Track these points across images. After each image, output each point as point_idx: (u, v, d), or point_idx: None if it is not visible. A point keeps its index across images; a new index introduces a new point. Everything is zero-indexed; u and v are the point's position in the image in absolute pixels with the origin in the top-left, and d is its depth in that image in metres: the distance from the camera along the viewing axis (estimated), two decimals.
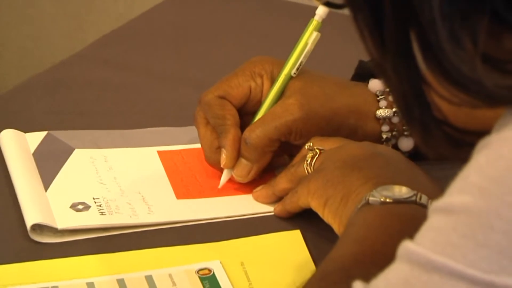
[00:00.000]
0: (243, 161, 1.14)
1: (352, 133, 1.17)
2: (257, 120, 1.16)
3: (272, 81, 1.18)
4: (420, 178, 1.10)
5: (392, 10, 0.71)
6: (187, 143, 1.23)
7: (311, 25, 1.14)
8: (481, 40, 0.70)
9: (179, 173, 1.19)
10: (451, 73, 0.71)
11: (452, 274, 0.66)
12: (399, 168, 1.10)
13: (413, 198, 1.03)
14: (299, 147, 1.16)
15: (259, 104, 1.18)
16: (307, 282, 0.97)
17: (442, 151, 0.76)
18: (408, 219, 1.01)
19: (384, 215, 1.03)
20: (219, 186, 1.15)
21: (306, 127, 1.15)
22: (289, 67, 1.16)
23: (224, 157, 1.14)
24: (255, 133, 1.14)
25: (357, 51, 0.84)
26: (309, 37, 1.16)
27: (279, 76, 1.16)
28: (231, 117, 1.18)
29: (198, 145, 1.20)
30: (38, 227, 1.05)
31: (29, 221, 1.05)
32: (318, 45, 1.16)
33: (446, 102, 0.74)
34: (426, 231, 0.71)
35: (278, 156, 1.19)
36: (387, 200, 1.02)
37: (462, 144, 0.75)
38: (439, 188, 1.08)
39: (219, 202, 1.13)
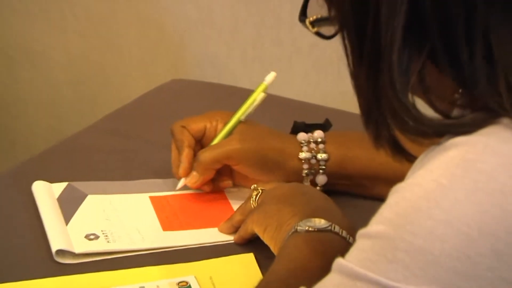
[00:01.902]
0: (193, 172, 1.17)
1: (277, 167, 1.19)
2: (208, 146, 1.20)
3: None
4: (334, 212, 1.10)
5: (373, 34, 0.73)
6: (171, 190, 1.22)
7: (261, 87, 1.17)
8: (411, 75, 0.73)
9: (165, 212, 1.18)
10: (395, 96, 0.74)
11: (370, 282, 0.68)
12: (318, 204, 1.10)
13: (329, 228, 1.04)
14: (239, 173, 1.20)
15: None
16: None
17: (386, 150, 0.77)
18: (327, 243, 1.03)
19: (309, 240, 1.03)
20: (177, 189, 1.18)
21: (241, 156, 1.17)
22: (239, 114, 1.18)
23: (180, 169, 1.18)
24: (205, 154, 1.17)
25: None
26: (258, 96, 1.19)
27: (231, 120, 1.19)
28: (187, 141, 1.21)
29: (180, 192, 1.21)
30: (61, 252, 1.06)
31: (54, 247, 1.07)
32: None
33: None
34: (353, 251, 0.72)
35: (224, 180, 1.21)
36: (310, 229, 1.03)
37: (401, 153, 0.77)
38: (346, 218, 1.09)
39: (194, 233, 1.13)
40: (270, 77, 1.17)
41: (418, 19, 0.71)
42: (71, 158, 1.30)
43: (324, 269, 0.87)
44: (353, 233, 1.04)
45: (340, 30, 0.77)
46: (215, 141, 1.20)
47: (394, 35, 0.72)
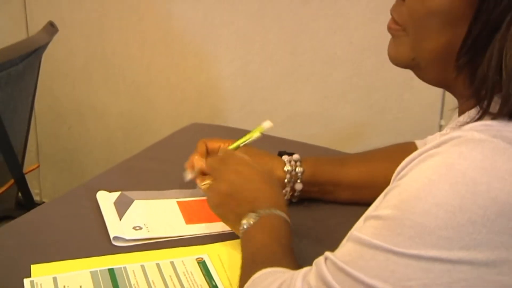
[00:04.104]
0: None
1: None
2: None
3: None
4: (279, 196, 1.04)
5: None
6: (191, 197, 1.22)
7: (258, 128, 1.15)
8: None
9: (187, 211, 1.18)
10: None
11: (384, 250, 0.67)
12: (265, 195, 1.02)
13: (274, 213, 0.98)
14: None
15: None
16: (242, 268, 0.93)
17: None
18: (276, 226, 0.97)
19: (263, 227, 0.97)
20: (185, 179, 1.17)
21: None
22: (238, 143, 1.17)
23: (188, 164, 1.16)
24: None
25: None
26: (254, 134, 1.16)
27: (233, 144, 1.17)
28: (200, 150, 1.18)
29: (197, 198, 1.21)
30: (116, 238, 1.08)
31: (112, 234, 1.09)
32: None
33: None
34: (366, 227, 0.71)
35: None
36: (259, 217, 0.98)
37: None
38: (281, 196, 1.04)
39: (207, 225, 1.13)
40: (268, 124, 1.15)
41: None
42: (123, 176, 1.30)
43: (280, 247, 0.93)
44: (286, 209, 1.01)
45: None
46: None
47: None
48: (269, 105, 2.00)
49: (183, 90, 2.14)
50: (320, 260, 0.74)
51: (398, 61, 0.81)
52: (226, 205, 1.03)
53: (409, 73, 0.82)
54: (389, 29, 0.81)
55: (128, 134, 2.29)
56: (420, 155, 0.70)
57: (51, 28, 1.59)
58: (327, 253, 0.73)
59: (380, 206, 0.70)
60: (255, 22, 1.95)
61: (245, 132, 1.22)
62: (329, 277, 0.70)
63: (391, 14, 0.81)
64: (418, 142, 1.16)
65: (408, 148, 1.03)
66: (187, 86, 2.13)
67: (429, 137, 0.97)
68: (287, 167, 1.17)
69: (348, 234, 0.73)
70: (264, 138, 1.28)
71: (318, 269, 0.73)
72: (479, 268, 0.64)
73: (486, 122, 0.69)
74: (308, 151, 1.30)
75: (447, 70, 0.75)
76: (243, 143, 1.17)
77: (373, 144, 1.27)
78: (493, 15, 0.68)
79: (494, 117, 0.69)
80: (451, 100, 0.83)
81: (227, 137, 1.25)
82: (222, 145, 1.20)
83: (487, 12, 0.69)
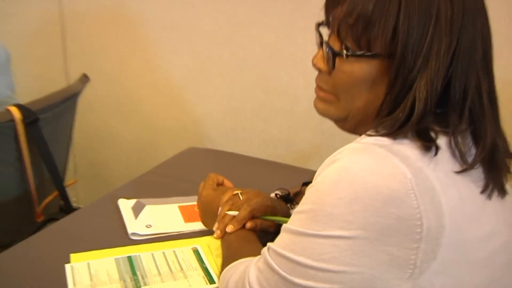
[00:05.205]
0: (230, 226, 0.97)
1: (275, 211, 1.00)
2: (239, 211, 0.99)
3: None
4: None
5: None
6: (188, 202, 1.20)
7: (286, 219, 0.78)
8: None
9: (186, 213, 1.16)
10: None
11: (307, 235, 0.66)
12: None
13: None
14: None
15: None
16: (222, 262, 0.89)
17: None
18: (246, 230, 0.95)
19: (236, 232, 0.95)
20: (215, 236, 0.97)
21: (257, 210, 0.97)
22: (270, 217, 0.98)
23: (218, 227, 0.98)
24: (239, 215, 0.97)
25: None
26: (282, 219, 0.96)
27: (268, 217, 0.98)
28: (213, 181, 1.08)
29: (192, 203, 1.17)
30: (133, 234, 1.07)
31: (129, 231, 1.08)
32: None
33: None
34: (294, 220, 0.69)
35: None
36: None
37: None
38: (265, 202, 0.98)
39: (199, 223, 1.09)
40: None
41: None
42: (138, 187, 1.29)
43: (252, 246, 0.90)
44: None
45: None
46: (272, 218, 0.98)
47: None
48: (247, 133, 1.96)
49: (181, 122, 2.08)
50: (264, 249, 0.73)
51: (327, 116, 0.76)
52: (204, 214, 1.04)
53: None
54: (319, 96, 0.76)
55: (140, 156, 2.23)
56: (329, 160, 0.68)
57: (84, 79, 1.59)
58: (269, 244, 0.72)
59: (302, 202, 0.69)
60: (236, 71, 1.90)
61: (231, 155, 1.21)
62: (270, 261, 0.69)
63: (317, 84, 0.76)
64: None
65: None
66: (184, 118, 2.07)
67: None
68: (291, 208, 1.07)
69: (283, 227, 0.71)
70: (244, 158, 1.31)
71: (263, 256, 0.72)
72: (372, 242, 0.63)
73: (376, 137, 0.67)
74: (275, 169, 1.31)
75: (368, 119, 0.72)
76: (271, 219, 0.99)
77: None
78: (409, 75, 0.66)
79: (383, 135, 0.67)
80: None
81: (215, 157, 1.25)
82: (225, 180, 1.10)
83: (403, 75, 0.66)
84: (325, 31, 0.73)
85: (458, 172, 0.66)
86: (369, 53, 0.68)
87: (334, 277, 0.64)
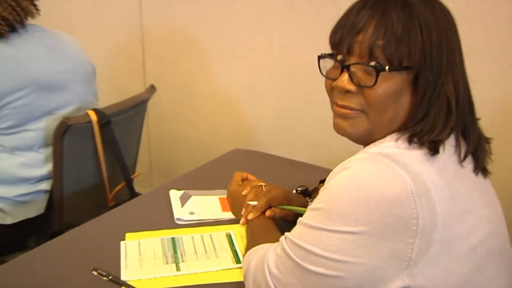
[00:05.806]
0: (251, 214, 1.00)
1: (291, 202, 1.02)
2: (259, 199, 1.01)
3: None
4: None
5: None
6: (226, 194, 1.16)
7: (304, 209, 0.81)
8: None
9: (223, 203, 1.16)
10: None
11: (319, 228, 0.67)
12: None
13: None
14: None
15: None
16: (246, 245, 0.92)
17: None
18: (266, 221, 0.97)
19: (260, 219, 0.97)
20: (241, 223, 1.02)
21: (274, 199, 1.00)
22: (286, 206, 1.01)
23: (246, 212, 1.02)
24: (259, 203, 1.00)
25: None
26: (300, 208, 0.98)
27: (284, 206, 1.00)
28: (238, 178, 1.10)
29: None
30: (178, 219, 1.08)
31: (176, 216, 1.10)
32: None
33: None
34: (308, 215, 0.69)
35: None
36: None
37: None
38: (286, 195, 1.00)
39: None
40: None
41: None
42: (187, 181, 1.27)
43: (271, 233, 0.91)
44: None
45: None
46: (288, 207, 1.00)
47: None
48: (291, 138, 1.92)
49: (238, 127, 2.06)
50: (282, 237, 0.74)
51: (357, 136, 0.73)
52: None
53: None
54: (346, 114, 0.72)
55: (202, 156, 2.14)
56: (340, 167, 0.69)
57: (152, 88, 1.60)
58: (286, 233, 0.73)
59: (316, 200, 0.70)
60: (284, 85, 1.85)
61: (269, 156, 1.19)
62: (287, 248, 0.71)
63: (343, 104, 0.72)
64: None
65: None
66: (240, 124, 2.05)
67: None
68: (309, 201, 1.08)
69: (298, 220, 0.72)
70: (282, 159, 1.28)
71: (281, 243, 0.73)
72: (374, 237, 0.64)
73: (380, 147, 0.68)
74: (313, 170, 1.28)
75: (393, 128, 0.71)
76: (286, 208, 1.01)
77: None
78: (430, 83, 0.67)
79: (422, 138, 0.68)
80: None
81: (256, 158, 1.23)
82: (249, 176, 1.12)
83: (423, 84, 0.67)
84: (328, 61, 0.73)
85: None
86: (404, 66, 0.68)
87: (340, 266, 0.65)
